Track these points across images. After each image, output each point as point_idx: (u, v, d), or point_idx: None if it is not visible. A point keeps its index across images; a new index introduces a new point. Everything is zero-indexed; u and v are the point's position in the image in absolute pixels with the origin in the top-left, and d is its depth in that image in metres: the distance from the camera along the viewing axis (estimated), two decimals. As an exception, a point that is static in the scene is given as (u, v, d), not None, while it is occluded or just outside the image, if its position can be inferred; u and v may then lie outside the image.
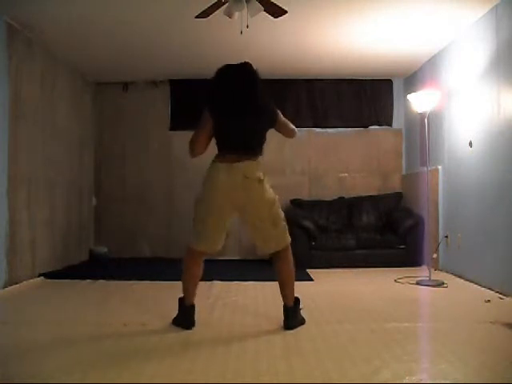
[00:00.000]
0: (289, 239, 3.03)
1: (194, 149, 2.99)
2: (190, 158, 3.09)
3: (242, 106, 2.90)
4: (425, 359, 2.48)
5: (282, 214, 3.03)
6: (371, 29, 4.73)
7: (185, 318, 3.01)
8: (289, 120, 3.17)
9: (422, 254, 5.36)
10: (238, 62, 3.01)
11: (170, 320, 3.08)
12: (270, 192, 2.95)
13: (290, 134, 3.17)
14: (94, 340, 2.79)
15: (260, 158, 2.98)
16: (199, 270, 3.05)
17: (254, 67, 2.98)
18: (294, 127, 3.16)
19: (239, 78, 2.92)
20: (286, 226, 3.04)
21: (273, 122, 3.02)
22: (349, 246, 5.66)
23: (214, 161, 2.96)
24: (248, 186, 2.86)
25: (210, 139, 2.99)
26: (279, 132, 3.13)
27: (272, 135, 3.08)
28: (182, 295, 3.06)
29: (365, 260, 5.59)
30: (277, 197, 3.01)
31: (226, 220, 2.99)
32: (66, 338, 2.84)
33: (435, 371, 2.29)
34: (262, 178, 2.89)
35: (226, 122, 2.92)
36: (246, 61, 3.01)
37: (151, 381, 2.17)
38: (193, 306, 3.04)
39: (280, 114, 3.07)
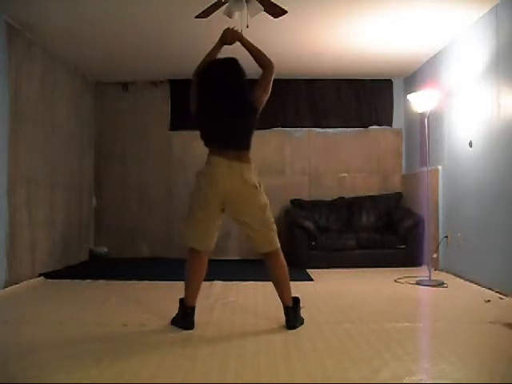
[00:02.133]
0: (278, 243, 3.03)
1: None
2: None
3: (226, 102, 2.90)
4: (425, 359, 2.48)
5: (272, 219, 3.04)
6: (371, 29, 4.73)
7: (184, 319, 3.00)
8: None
9: (422, 253, 5.35)
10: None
11: (170, 320, 3.08)
12: (263, 197, 2.97)
13: (263, 66, 3.04)
14: (94, 340, 2.79)
15: (250, 156, 2.97)
16: (201, 271, 3.04)
17: (239, 63, 2.96)
18: (265, 56, 3.04)
19: (223, 75, 2.92)
20: (276, 230, 3.04)
21: (254, 111, 2.97)
22: (349, 246, 5.66)
23: (210, 155, 2.95)
24: (245, 190, 2.89)
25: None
26: (263, 82, 3.02)
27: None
28: (182, 296, 3.06)
29: (365, 260, 5.59)
30: (267, 201, 3.00)
31: (218, 215, 2.98)
32: (66, 337, 2.84)
33: (435, 371, 2.29)
34: (257, 185, 2.93)
35: (212, 118, 2.94)
36: (232, 57, 2.99)
37: (151, 381, 2.17)
38: (193, 308, 3.02)
39: (256, 91, 2.98)
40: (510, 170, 3.91)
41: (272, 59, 3.06)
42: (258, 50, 3.07)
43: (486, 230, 4.31)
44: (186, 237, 3.02)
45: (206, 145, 3.00)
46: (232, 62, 2.96)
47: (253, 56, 3.07)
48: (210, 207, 2.94)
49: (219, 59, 3.04)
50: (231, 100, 2.91)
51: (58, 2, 4.05)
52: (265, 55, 3.06)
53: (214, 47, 3.11)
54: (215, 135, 2.97)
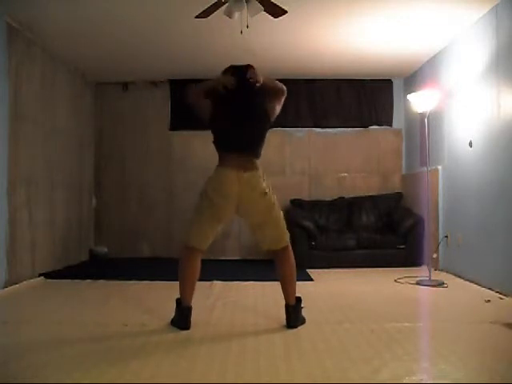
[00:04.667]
0: (288, 238, 3.08)
1: (190, 95, 3.05)
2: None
3: (241, 110, 2.96)
4: (425, 359, 2.48)
5: (282, 214, 3.09)
6: (371, 29, 4.73)
7: (181, 319, 2.99)
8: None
9: (422, 253, 5.35)
10: (241, 63, 3.07)
11: (170, 320, 3.08)
12: (271, 197, 3.00)
13: (278, 93, 3.08)
14: (94, 340, 2.79)
15: (259, 162, 3.03)
16: (195, 270, 3.03)
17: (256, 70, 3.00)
18: (278, 85, 3.07)
19: (241, 82, 2.96)
20: (285, 226, 3.09)
21: (268, 121, 3.05)
22: (349, 246, 5.66)
23: (219, 165, 2.99)
24: (254, 197, 2.94)
25: (203, 102, 3.03)
26: (273, 102, 3.08)
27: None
28: (178, 296, 3.05)
29: (365, 260, 5.59)
30: (276, 197, 3.04)
31: (225, 221, 3.08)
32: (66, 337, 2.84)
33: (435, 371, 2.29)
34: (267, 191, 2.97)
35: (227, 124, 2.97)
36: (249, 64, 3.04)
37: (151, 381, 2.17)
38: (189, 308, 3.00)
39: (269, 101, 3.04)
40: (510, 170, 3.91)
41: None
42: (273, 81, 3.10)
43: (486, 230, 4.31)
44: (189, 237, 3.03)
45: (218, 151, 3.02)
46: (249, 69, 2.99)
47: (270, 88, 3.08)
48: (219, 216, 3.00)
49: (236, 66, 3.05)
50: (249, 107, 2.97)
51: (58, 2, 4.05)
52: (278, 84, 3.10)
53: (214, 81, 3.03)
54: (229, 141, 2.99)
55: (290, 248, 3.09)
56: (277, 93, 3.08)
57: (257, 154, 3.02)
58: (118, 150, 6.68)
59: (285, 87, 3.09)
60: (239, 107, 2.96)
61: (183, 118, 6.47)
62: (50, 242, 5.22)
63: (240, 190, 2.90)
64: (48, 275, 4.88)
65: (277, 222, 3.04)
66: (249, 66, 3.01)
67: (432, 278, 4.52)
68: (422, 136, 5.57)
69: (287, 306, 3.03)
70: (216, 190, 2.94)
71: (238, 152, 2.94)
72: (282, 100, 3.13)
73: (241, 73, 2.98)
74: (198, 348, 2.62)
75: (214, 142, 3.05)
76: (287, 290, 3.04)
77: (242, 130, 2.95)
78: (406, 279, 4.69)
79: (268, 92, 3.06)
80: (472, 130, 4.58)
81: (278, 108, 3.12)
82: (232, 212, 3.02)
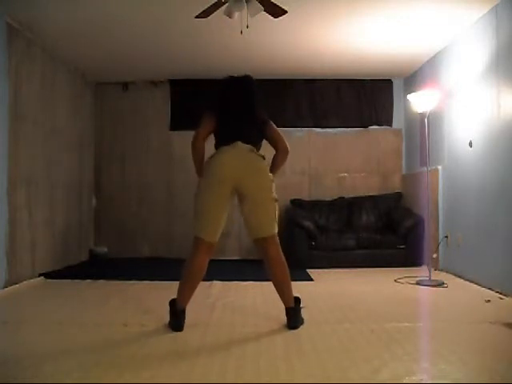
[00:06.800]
0: (276, 229, 3.01)
1: (195, 147, 3.06)
2: (192, 156, 3.08)
3: (240, 114, 3.07)
4: (425, 359, 2.48)
5: (276, 206, 3.01)
6: (371, 29, 4.73)
7: (174, 321, 2.96)
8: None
9: (422, 253, 5.35)
10: (240, 68, 3.21)
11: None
12: (270, 176, 3.03)
13: (279, 151, 3.21)
14: (94, 340, 2.79)
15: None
16: (200, 272, 2.97)
17: (253, 79, 3.18)
18: (285, 147, 3.22)
19: (239, 90, 3.12)
20: (276, 220, 3.01)
21: (261, 133, 3.12)
22: (349, 246, 5.66)
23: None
24: (251, 160, 2.97)
25: (208, 135, 3.09)
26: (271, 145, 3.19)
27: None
28: (173, 297, 3.01)
29: (365, 260, 5.59)
30: (274, 182, 3.06)
31: (225, 199, 2.96)
32: (66, 338, 2.84)
33: (435, 371, 2.29)
34: (264, 156, 3.05)
35: (227, 126, 3.04)
36: (247, 74, 3.18)
37: (151, 381, 2.17)
38: (184, 311, 2.97)
39: (272, 127, 3.14)
40: (510, 170, 3.92)
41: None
42: (281, 163, 3.30)
43: (486, 230, 4.31)
44: (195, 227, 2.98)
45: (217, 146, 3.06)
46: (246, 78, 3.17)
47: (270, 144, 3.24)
48: (217, 192, 2.92)
49: (237, 77, 3.18)
50: (247, 107, 3.09)
51: (58, 2, 4.05)
52: (283, 156, 3.29)
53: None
54: (229, 132, 3.02)
55: (277, 240, 3.00)
56: (275, 147, 3.20)
57: (256, 145, 3.05)
58: (118, 149, 6.68)
59: (287, 149, 3.24)
60: (239, 107, 3.07)
61: (183, 117, 6.47)
62: (49, 242, 5.22)
63: (235, 153, 2.93)
64: (48, 275, 4.88)
65: (270, 205, 2.96)
66: (246, 76, 3.15)
67: (432, 277, 4.52)
68: (422, 136, 5.57)
69: (287, 309, 3.00)
70: (209, 165, 2.96)
71: (238, 140, 2.98)
72: (280, 155, 3.24)
73: (239, 82, 3.14)
74: (198, 348, 2.62)
75: (216, 142, 3.06)
76: (283, 292, 3.00)
77: (241, 123, 3.03)
78: (406, 279, 4.69)
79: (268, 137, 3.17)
80: (472, 130, 4.58)
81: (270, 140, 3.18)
82: (229, 188, 2.92)
